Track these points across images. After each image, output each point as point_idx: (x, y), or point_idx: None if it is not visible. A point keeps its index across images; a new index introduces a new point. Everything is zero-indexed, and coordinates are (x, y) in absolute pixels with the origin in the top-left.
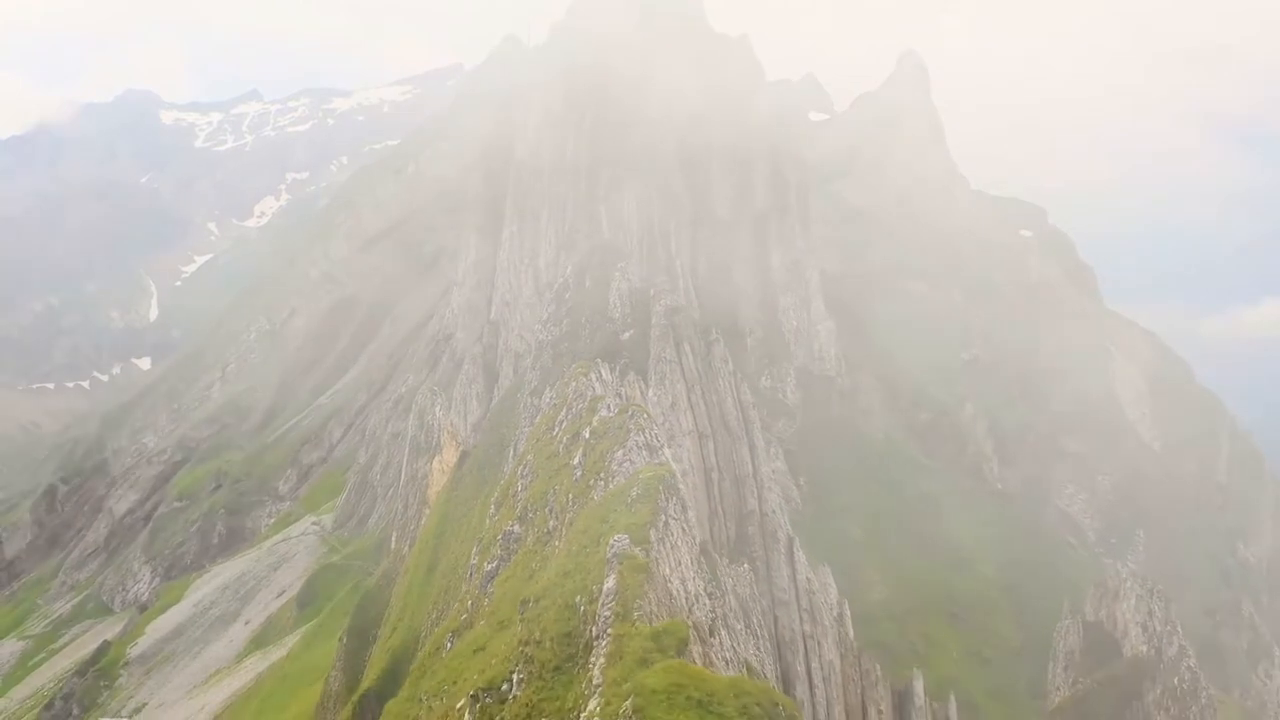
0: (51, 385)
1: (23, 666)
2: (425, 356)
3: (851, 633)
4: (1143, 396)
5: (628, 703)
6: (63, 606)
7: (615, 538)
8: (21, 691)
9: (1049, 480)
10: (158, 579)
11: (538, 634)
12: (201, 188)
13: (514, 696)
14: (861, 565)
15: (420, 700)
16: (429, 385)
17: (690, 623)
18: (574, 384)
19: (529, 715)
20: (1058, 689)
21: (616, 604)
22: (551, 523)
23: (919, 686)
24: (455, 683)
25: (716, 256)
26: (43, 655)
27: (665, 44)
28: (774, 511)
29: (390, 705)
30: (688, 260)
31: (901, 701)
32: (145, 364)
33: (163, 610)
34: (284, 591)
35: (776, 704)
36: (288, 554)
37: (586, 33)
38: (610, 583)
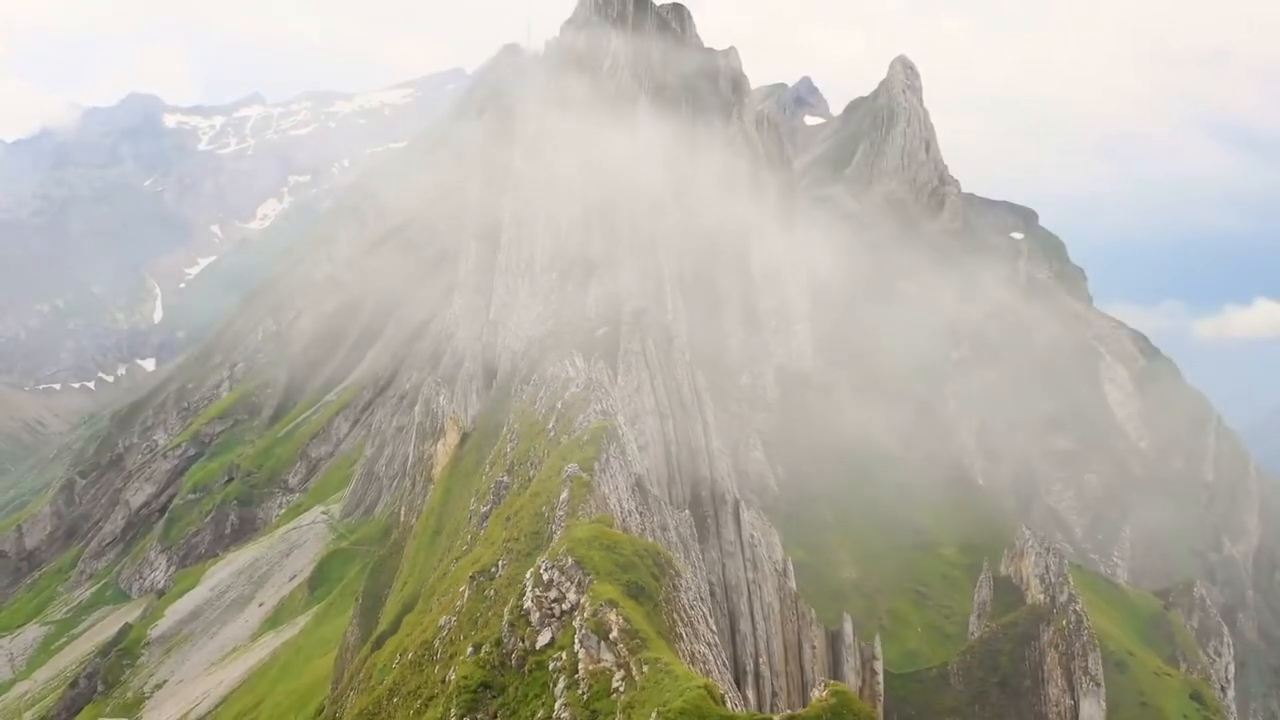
0: (58, 386)
1: (45, 650)
2: (428, 355)
3: (793, 583)
4: (1131, 396)
5: (564, 546)
6: (82, 594)
7: (569, 466)
8: (45, 673)
9: (1037, 477)
10: (173, 567)
11: (516, 534)
12: (204, 190)
13: (499, 575)
14: (833, 547)
15: (431, 609)
16: (433, 379)
17: (621, 524)
18: (552, 369)
19: (509, 584)
20: (973, 634)
21: (568, 507)
22: (532, 472)
23: (848, 628)
24: (459, 584)
25: (702, 260)
26: (64, 639)
27: (654, 57)
28: (723, 478)
29: (408, 618)
30: (674, 265)
31: (834, 640)
32: (150, 365)
33: (180, 594)
34: (295, 576)
35: (659, 553)
36: (298, 541)
37: (579, 50)
38: (564, 494)
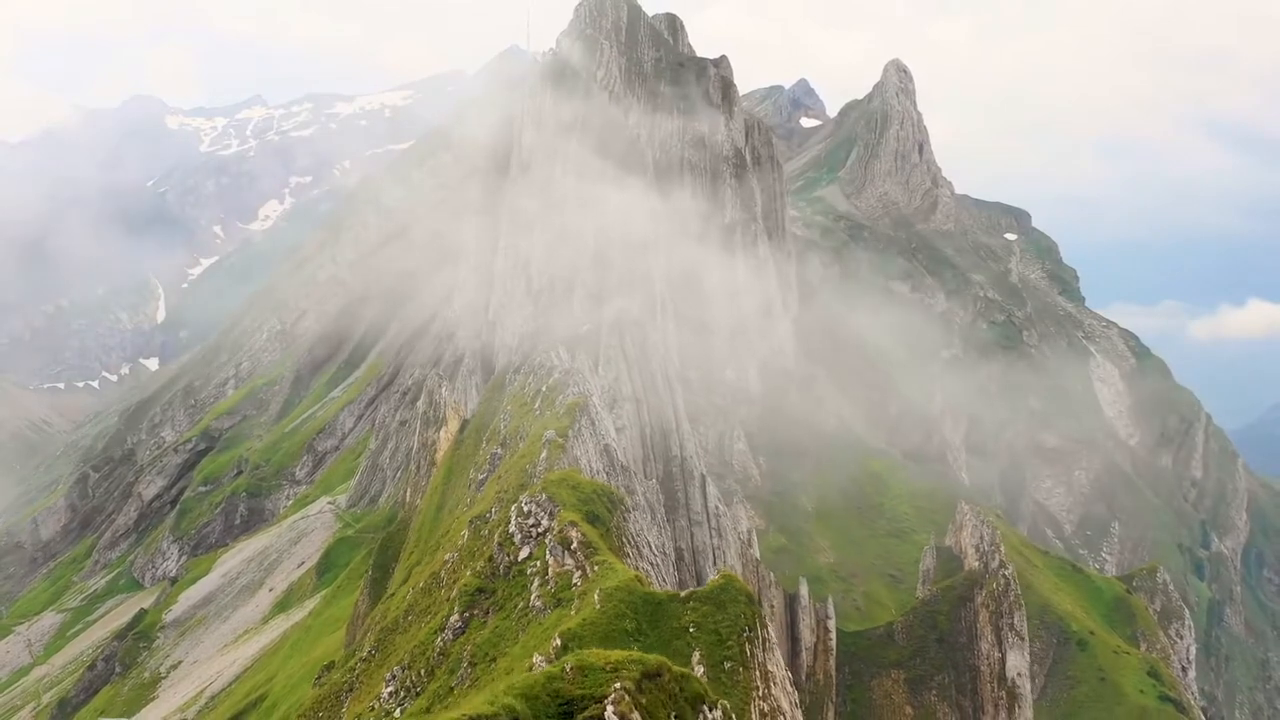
0: (62, 385)
1: (62, 636)
2: (430, 353)
3: (756, 551)
4: (1121, 395)
5: (540, 486)
6: (97, 583)
7: (547, 432)
8: (62, 658)
9: (1026, 474)
10: (185, 556)
11: (505, 486)
12: (206, 192)
13: (492, 518)
14: (812, 533)
15: (434, 556)
16: (435, 373)
17: (589, 477)
18: (540, 359)
19: (499, 523)
20: (918, 597)
21: (546, 464)
22: (520, 444)
23: (804, 590)
24: (460, 529)
25: (690, 262)
26: (80, 626)
27: (646, 67)
28: (692, 456)
29: (416, 569)
30: (663, 268)
31: (791, 601)
32: (153, 364)
33: (193, 581)
34: (304, 562)
35: (612, 493)
36: (306, 530)
37: (575, 61)
38: (543, 455)
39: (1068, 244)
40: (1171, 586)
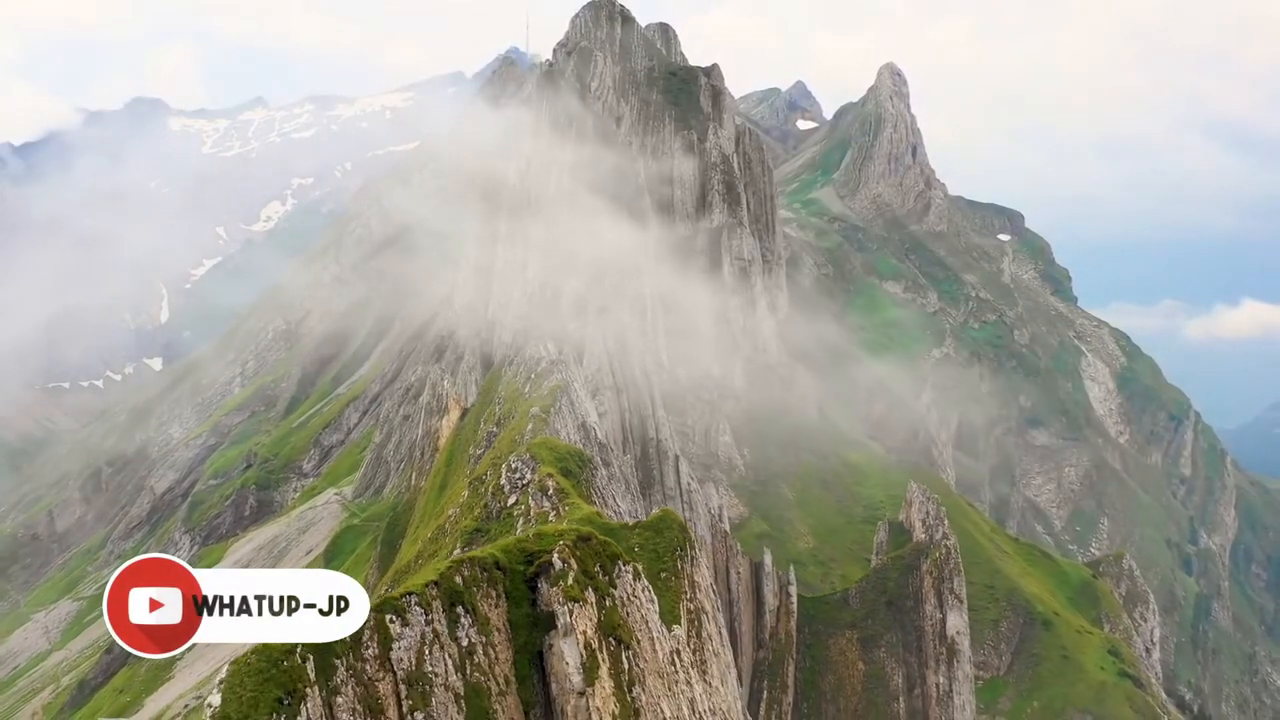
0: (67, 385)
1: (78, 623)
2: (431, 350)
3: (726, 525)
4: (1111, 393)
5: (524, 448)
6: (111, 572)
7: (533, 409)
8: (79, 643)
9: (1016, 470)
10: (196, 546)
11: (499, 454)
12: (209, 193)
13: (488, 479)
14: (793, 520)
15: (441, 517)
16: (438, 368)
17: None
18: (530, 350)
19: (493, 481)
20: (873, 567)
21: (531, 435)
22: (512, 422)
23: (768, 559)
24: (461, 491)
25: (678, 264)
26: (96, 613)
27: (639, 76)
28: (666, 439)
29: (420, 531)
30: (654, 270)
31: (756, 569)
32: (157, 364)
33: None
34: (312, 550)
35: (582, 453)
36: (313, 520)
37: (571, 70)
38: (529, 427)
39: (1066, 243)
40: (1137, 572)
